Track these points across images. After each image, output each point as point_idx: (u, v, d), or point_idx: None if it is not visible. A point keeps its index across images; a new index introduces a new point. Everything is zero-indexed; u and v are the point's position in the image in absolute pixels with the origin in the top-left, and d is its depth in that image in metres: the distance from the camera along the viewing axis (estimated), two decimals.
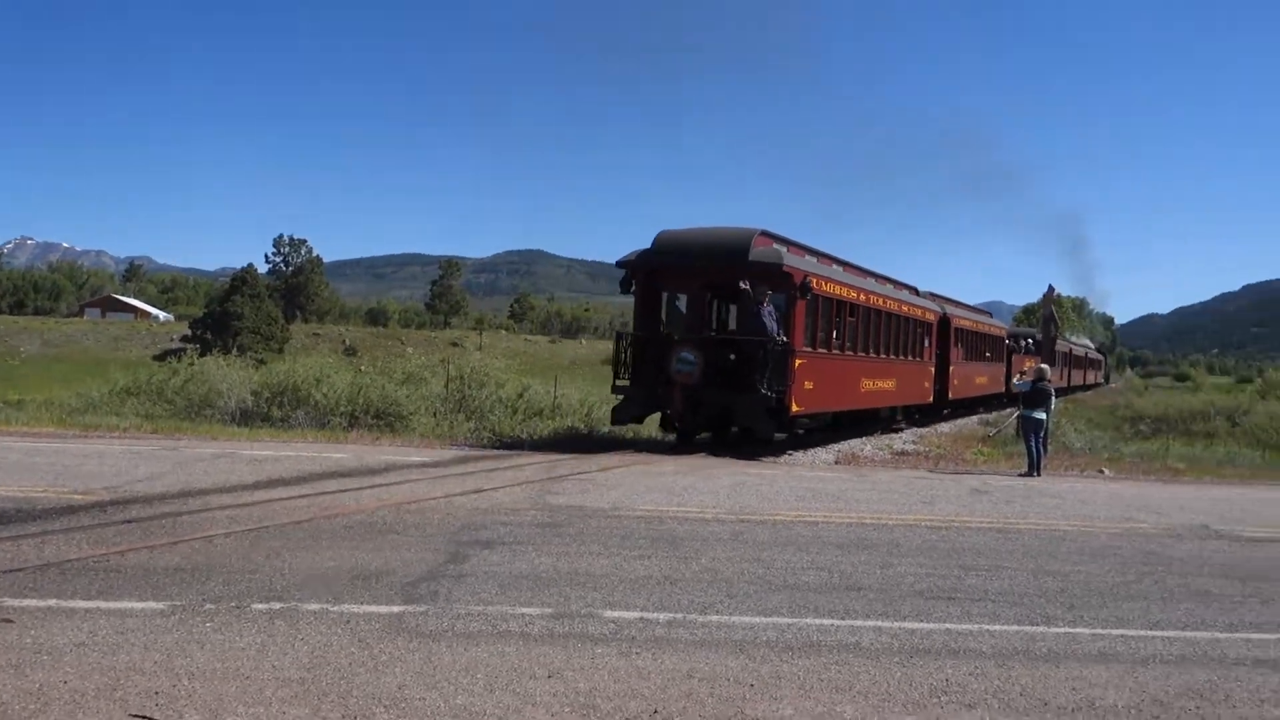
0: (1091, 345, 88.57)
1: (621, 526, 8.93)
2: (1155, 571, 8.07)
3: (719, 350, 16.05)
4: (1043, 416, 15.82)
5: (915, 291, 26.22)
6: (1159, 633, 6.17)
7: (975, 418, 31.71)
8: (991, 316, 39.97)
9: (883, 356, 21.44)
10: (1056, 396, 17.62)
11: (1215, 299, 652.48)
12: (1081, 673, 5.30)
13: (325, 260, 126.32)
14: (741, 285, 15.70)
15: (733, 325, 17.58)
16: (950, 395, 27.82)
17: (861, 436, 21.13)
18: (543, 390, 23.58)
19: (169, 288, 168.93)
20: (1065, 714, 4.69)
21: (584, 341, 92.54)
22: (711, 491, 11.49)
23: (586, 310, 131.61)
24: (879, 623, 6.08)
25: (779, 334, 15.80)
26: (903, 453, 19.27)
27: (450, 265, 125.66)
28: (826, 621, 6.05)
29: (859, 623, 6.06)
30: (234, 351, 32.68)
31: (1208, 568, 8.37)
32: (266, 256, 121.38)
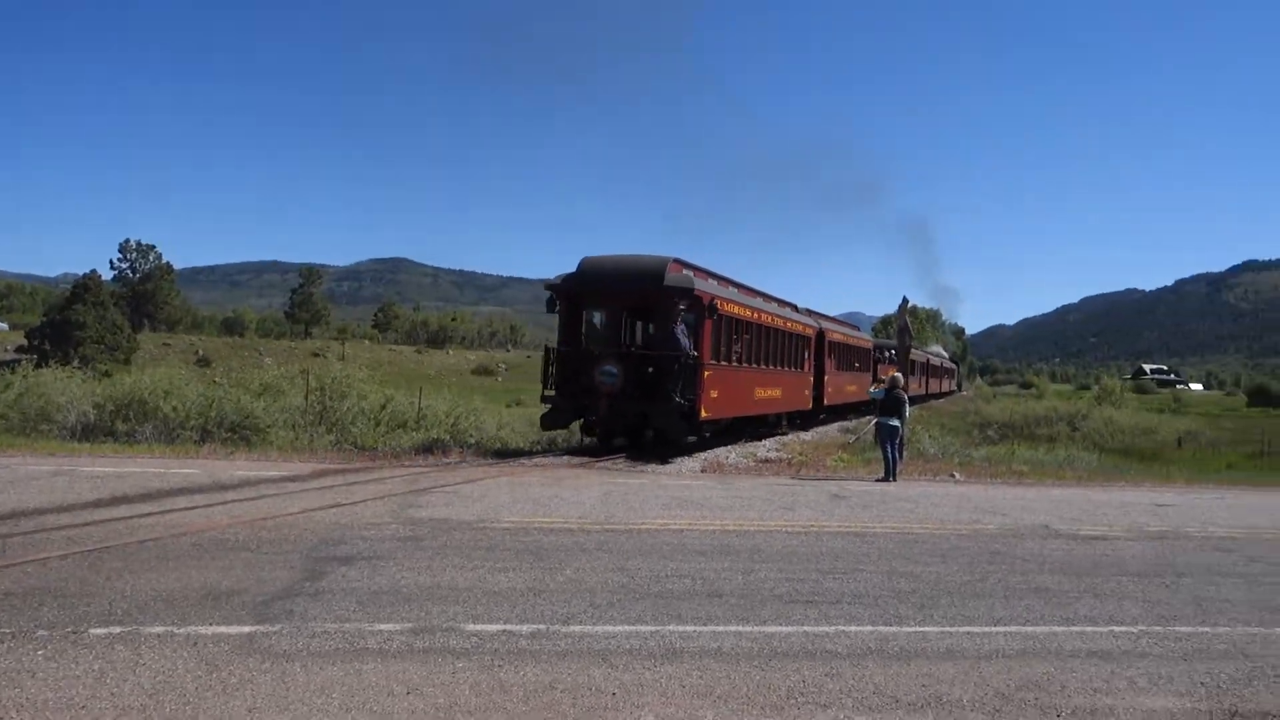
0: (945, 355, 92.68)
1: (486, 539, 8.83)
2: (1000, 570, 8.47)
3: (638, 363, 17.73)
4: (898, 423, 16.43)
5: (795, 308, 28.37)
6: (1002, 628, 6.48)
7: (836, 425, 32.73)
8: (859, 330, 42.46)
9: (772, 368, 23.72)
10: (912, 404, 18.37)
11: (1057, 310, 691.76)
12: (930, 669, 5.51)
13: (176, 267, 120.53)
14: (680, 306, 17.59)
15: (645, 340, 19.46)
16: (825, 402, 30.19)
17: (744, 441, 22.69)
18: (407, 402, 23.14)
19: (4, 295, 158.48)
20: (915, 710, 4.87)
21: (450, 351, 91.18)
22: (578, 502, 11.48)
23: (453, 320, 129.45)
24: (740, 627, 6.19)
25: (690, 349, 17.53)
26: (766, 460, 19.66)
27: (311, 273, 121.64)
28: (689, 628, 6.12)
29: (720, 628, 6.15)
30: (75, 363, 30.94)
31: (1047, 565, 8.83)
32: (112, 262, 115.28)
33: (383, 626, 5.85)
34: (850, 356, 35.03)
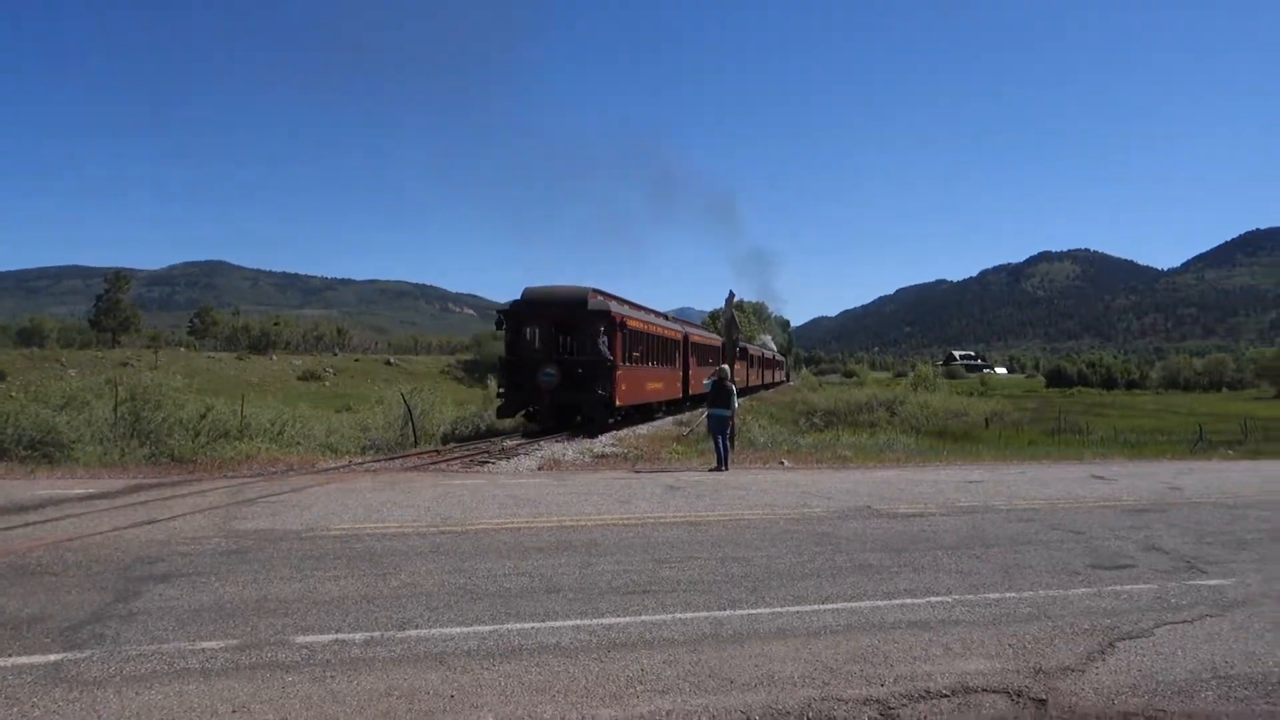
0: (774, 348, 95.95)
1: (316, 548, 8.54)
2: (826, 551, 8.82)
3: (571, 367, 23.62)
4: (727, 413, 16.85)
5: (666, 318, 36.05)
6: (829, 606, 6.75)
7: (671, 419, 33.41)
8: (708, 330, 49.87)
9: (657, 367, 30.37)
10: (746, 395, 19.01)
11: (874, 302, 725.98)
12: (763, 649, 5.69)
13: None
14: (600, 325, 23.81)
15: (571, 349, 24.78)
16: (690, 392, 35.93)
17: (652, 420, 30.39)
18: (229, 410, 22.06)
19: None
20: (749, 689, 5.02)
21: (275, 357, 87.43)
22: (413, 506, 11.25)
23: (276, 324, 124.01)
24: (578, 621, 6.22)
25: (608, 355, 23.55)
26: (603, 455, 19.79)
27: (118, 278, 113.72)
28: (527, 625, 6.10)
29: (559, 623, 6.16)
30: None
31: (870, 544, 9.26)
32: None
33: (205, 645, 5.58)
34: (707, 354, 41.22)
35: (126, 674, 5.05)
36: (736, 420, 17.70)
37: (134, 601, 6.52)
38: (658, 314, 33.70)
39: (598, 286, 25.29)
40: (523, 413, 24.68)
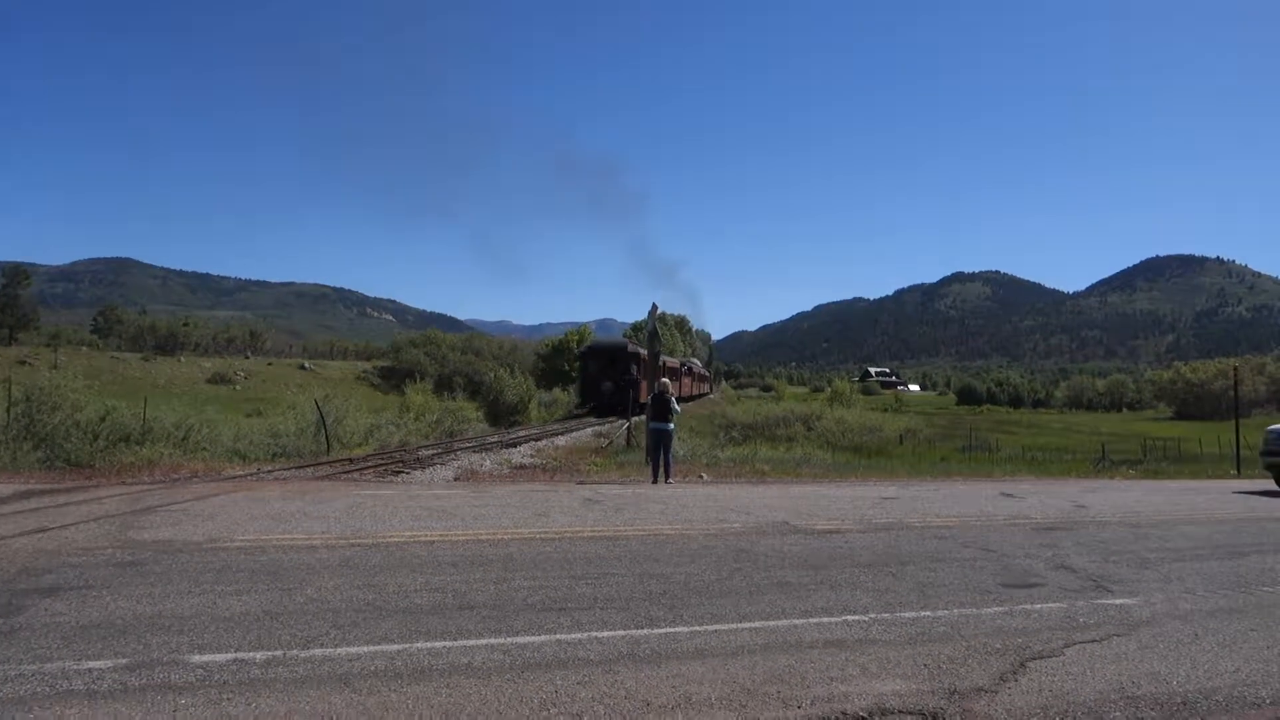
0: (701, 363, 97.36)
1: (217, 560, 8.19)
2: (745, 568, 8.77)
3: (618, 382, 46.15)
4: (670, 427, 16.75)
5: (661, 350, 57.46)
6: (747, 624, 6.68)
7: (590, 430, 33.30)
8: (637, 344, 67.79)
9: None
10: (687, 403, 19.08)
11: (793, 317, 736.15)
12: (680, 670, 5.58)
13: None
14: (631, 360, 48.18)
15: (616, 372, 46.70)
16: (680, 394, 58.65)
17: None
18: (131, 413, 21.25)
19: None
20: (665, 712, 4.90)
21: (183, 359, 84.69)
22: (322, 517, 10.91)
23: (186, 324, 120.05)
24: (491, 640, 6.03)
25: (636, 376, 44.98)
26: (521, 467, 19.57)
27: (18, 273, 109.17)
28: (438, 644, 5.90)
29: (471, 642, 5.97)
30: None
31: (788, 560, 9.24)
32: None
33: (92, 664, 5.25)
34: (679, 372, 64.44)
35: (4, 696, 4.72)
36: (676, 434, 17.66)
37: (16, 617, 6.14)
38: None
39: (631, 339, 54.39)
40: (589, 405, 47.22)
